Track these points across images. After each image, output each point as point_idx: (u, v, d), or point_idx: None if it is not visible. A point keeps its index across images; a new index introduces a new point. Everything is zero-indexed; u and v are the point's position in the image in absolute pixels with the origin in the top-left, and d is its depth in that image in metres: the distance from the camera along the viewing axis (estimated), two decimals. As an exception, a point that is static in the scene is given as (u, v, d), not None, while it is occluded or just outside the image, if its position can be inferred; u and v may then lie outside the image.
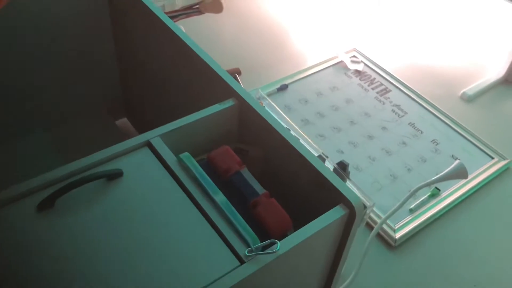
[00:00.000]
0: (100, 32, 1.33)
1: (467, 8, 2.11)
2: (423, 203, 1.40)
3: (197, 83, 1.07)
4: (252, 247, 0.71)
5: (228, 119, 0.96)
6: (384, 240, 1.32)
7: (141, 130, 1.35)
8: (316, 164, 0.84)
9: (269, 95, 1.71)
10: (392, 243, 1.31)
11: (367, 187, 1.43)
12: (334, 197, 0.82)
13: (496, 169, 1.52)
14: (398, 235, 1.31)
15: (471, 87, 1.83)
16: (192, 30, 1.79)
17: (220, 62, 1.03)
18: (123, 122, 1.54)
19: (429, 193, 1.42)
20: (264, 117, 0.91)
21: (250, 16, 2.09)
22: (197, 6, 1.79)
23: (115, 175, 0.78)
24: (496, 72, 1.90)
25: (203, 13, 1.80)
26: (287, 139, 0.88)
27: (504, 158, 1.56)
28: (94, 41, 1.34)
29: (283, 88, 1.75)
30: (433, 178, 1.22)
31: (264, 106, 1.42)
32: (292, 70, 1.84)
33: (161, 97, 1.27)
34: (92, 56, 1.36)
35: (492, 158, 1.56)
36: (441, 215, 1.40)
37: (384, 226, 1.32)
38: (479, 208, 1.45)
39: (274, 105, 1.65)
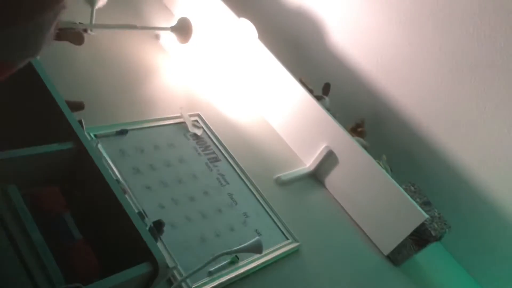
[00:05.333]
0: None
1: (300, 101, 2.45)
2: (222, 268, 1.56)
3: (40, 118, 1.10)
4: (57, 287, 0.77)
5: (64, 160, 1.01)
6: (180, 296, 1.44)
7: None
8: (135, 220, 0.94)
9: (107, 136, 1.76)
10: (186, 301, 1.43)
11: (176, 244, 1.55)
12: (145, 253, 0.91)
13: (287, 249, 1.78)
14: (193, 294, 1.44)
15: (286, 174, 2.12)
16: (45, 57, 1.76)
17: (66, 93, 1.08)
18: None
19: (229, 260, 1.59)
20: (98, 167, 0.99)
21: (109, 55, 2.14)
22: (58, 31, 1.79)
23: None
24: (308, 166, 2.24)
25: (61, 40, 1.81)
26: (114, 191, 0.97)
27: (296, 241, 1.83)
28: None
29: (123, 132, 1.81)
30: (234, 248, 1.40)
31: (100, 149, 1.48)
32: (137, 117, 1.92)
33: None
34: None
35: (287, 239, 1.83)
36: (235, 282, 1.58)
37: (183, 284, 1.44)
38: (268, 280, 1.66)
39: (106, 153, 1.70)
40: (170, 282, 1.44)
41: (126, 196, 1.35)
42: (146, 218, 1.26)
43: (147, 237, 0.91)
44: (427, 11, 2.26)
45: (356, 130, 2.28)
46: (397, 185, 1.99)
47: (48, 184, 0.92)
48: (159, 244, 1.46)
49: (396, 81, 2.46)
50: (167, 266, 0.91)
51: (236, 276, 1.58)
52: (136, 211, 1.04)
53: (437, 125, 2.35)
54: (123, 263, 0.88)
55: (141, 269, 0.87)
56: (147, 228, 1.01)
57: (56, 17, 0.71)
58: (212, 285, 1.50)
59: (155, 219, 1.43)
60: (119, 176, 1.62)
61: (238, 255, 1.62)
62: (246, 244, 1.47)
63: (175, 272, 1.47)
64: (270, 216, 1.88)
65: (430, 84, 2.34)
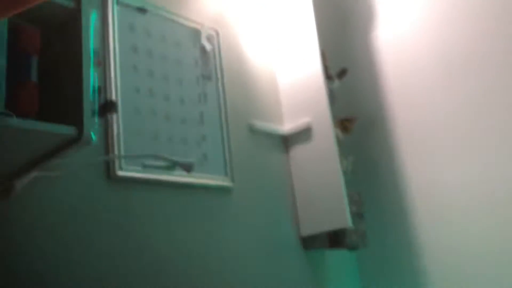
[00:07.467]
0: None
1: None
2: (156, 167, 1.72)
3: None
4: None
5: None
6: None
7: None
8: (85, 86, 1.06)
9: (127, 6, 1.84)
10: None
11: (131, 128, 1.69)
12: (77, 119, 1.04)
13: (221, 184, 1.92)
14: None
15: (261, 124, 2.23)
16: None
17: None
18: None
19: (166, 164, 1.74)
20: (83, 30, 1.09)
21: None
22: None
23: None
24: (285, 128, 2.34)
25: None
26: (83, 58, 1.08)
27: (233, 181, 1.97)
28: None
29: (143, 10, 1.89)
30: (171, 157, 1.53)
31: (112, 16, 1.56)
32: (162, 1, 1.99)
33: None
34: None
35: (226, 175, 1.97)
36: (160, 184, 1.74)
37: (116, 163, 1.60)
38: (191, 200, 1.82)
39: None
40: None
41: (101, 67, 1.47)
42: (102, 94, 1.39)
43: (86, 106, 1.04)
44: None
45: (342, 123, 2.36)
46: (343, 186, 2.11)
47: (33, 23, 1.03)
48: (114, 122, 1.60)
49: (408, 95, 2.49)
50: (91, 137, 1.04)
51: (165, 180, 1.73)
52: (100, 85, 1.17)
53: (419, 157, 2.41)
54: (60, 119, 1.01)
55: (66, 130, 1.01)
56: (97, 101, 1.14)
57: None
58: (140, 176, 1.66)
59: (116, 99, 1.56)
60: (116, 47, 1.72)
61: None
62: (183, 159, 1.62)
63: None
64: (224, 149, 2.01)
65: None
